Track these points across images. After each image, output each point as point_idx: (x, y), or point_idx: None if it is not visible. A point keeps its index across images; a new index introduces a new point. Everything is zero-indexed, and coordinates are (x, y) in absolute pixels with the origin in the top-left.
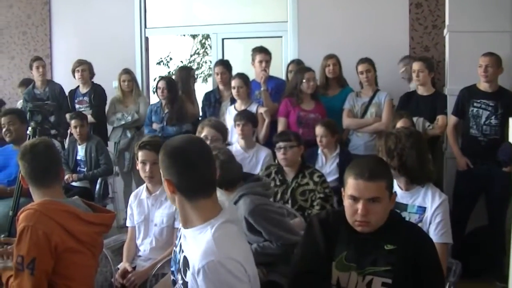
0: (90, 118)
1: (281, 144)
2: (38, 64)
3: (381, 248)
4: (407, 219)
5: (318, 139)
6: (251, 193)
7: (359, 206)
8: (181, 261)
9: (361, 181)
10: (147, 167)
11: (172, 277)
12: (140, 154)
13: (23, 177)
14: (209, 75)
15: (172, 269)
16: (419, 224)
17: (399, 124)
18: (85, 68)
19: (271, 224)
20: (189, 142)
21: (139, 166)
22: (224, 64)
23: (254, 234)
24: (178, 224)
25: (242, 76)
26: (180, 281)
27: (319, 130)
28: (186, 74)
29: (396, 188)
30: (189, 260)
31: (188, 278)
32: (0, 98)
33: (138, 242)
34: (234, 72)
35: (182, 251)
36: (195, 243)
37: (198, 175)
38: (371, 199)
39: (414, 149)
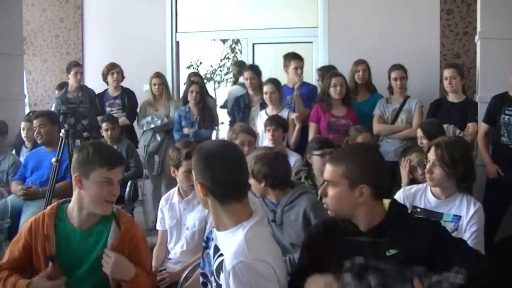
0: (123, 121)
1: (326, 150)
2: (76, 71)
3: (382, 255)
4: None
5: None
6: (308, 192)
7: None
8: (215, 264)
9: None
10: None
11: (202, 279)
12: (186, 164)
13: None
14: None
15: (203, 271)
16: (454, 233)
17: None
18: (119, 70)
19: None
20: (224, 147)
21: (181, 175)
22: (254, 69)
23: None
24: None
25: (275, 82)
26: (214, 284)
27: (365, 136)
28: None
29: (430, 198)
30: (223, 262)
31: (222, 280)
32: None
33: (170, 246)
34: (263, 77)
35: (219, 255)
36: (228, 245)
37: (231, 179)
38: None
39: (470, 154)
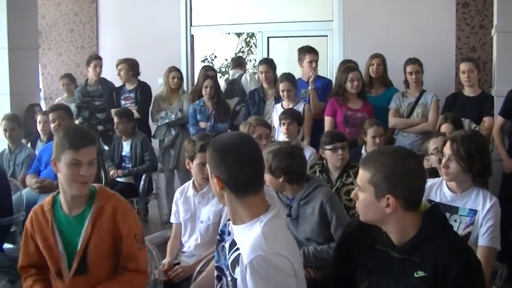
0: (135, 114)
1: (337, 144)
2: (96, 63)
3: (411, 276)
4: (457, 221)
5: (371, 139)
6: (323, 185)
7: None
8: (231, 258)
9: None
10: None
11: (216, 273)
12: (200, 156)
13: None
14: (254, 73)
15: (218, 264)
16: (470, 228)
17: (443, 129)
18: (122, 67)
19: (342, 212)
20: (239, 139)
21: (195, 168)
22: (268, 63)
23: (321, 226)
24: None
25: (290, 79)
26: (229, 277)
27: (376, 129)
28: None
29: (446, 191)
30: (240, 256)
31: (237, 274)
32: None
33: (184, 239)
34: (278, 71)
35: (236, 249)
36: (245, 239)
37: (247, 172)
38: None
39: (486, 148)
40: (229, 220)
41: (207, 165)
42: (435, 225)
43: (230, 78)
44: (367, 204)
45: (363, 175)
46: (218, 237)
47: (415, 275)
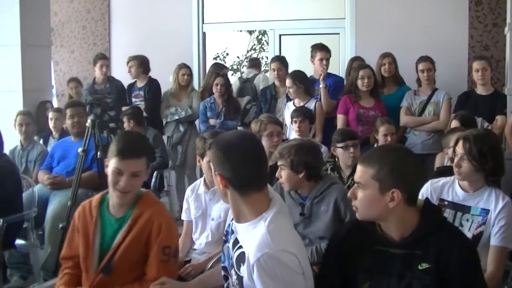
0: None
1: (349, 142)
2: (102, 63)
3: (415, 269)
4: (469, 221)
5: (383, 137)
6: (338, 182)
7: None
8: (235, 256)
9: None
10: None
11: (223, 273)
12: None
13: None
14: (266, 70)
15: (224, 264)
16: (482, 227)
17: (453, 124)
18: (132, 64)
19: None
20: (242, 137)
21: (205, 165)
22: (281, 60)
23: (334, 224)
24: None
25: (296, 76)
26: (234, 276)
27: (388, 127)
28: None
29: (458, 191)
30: (244, 255)
31: (243, 272)
32: None
33: (195, 236)
34: (289, 69)
35: (238, 247)
36: (250, 237)
37: (251, 169)
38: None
39: (499, 147)
40: (232, 219)
41: (211, 164)
42: (434, 218)
43: (244, 77)
44: (371, 200)
45: (364, 171)
46: (223, 237)
47: (419, 267)
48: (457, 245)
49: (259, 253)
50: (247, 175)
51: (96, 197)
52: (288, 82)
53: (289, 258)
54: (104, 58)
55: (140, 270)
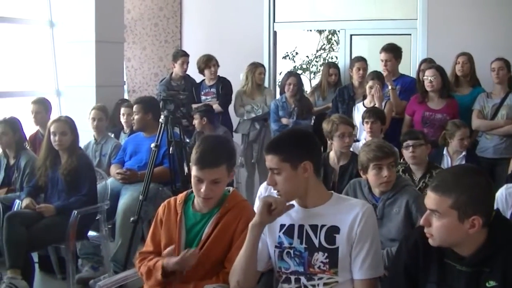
0: (217, 107)
1: (409, 142)
2: (184, 60)
3: (482, 287)
4: None
5: (459, 141)
6: (410, 184)
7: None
8: (322, 237)
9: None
10: None
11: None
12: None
13: None
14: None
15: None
16: None
17: None
18: (214, 63)
19: None
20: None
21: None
22: (365, 60)
23: (405, 227)
24: None
25: (379, 77)
26: (323, 256)
27: (464, 131)
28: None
29: None
30: (334, 228)
31: (339, 242)
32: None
33: None
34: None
35: (321, 226)
36: (337, 210)
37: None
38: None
39: None
40: (281, 230)
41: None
42: (503, 233)
43: None
44: (450, 228)
45: (441, 200)
46: (275, 248)
47: (487, 284)
48: None
49: (365, 206)
50: (320, 160)
51: (181, 195)
52: (371, 82)
53: None
54: (185, 55)
55: (220, 266)
